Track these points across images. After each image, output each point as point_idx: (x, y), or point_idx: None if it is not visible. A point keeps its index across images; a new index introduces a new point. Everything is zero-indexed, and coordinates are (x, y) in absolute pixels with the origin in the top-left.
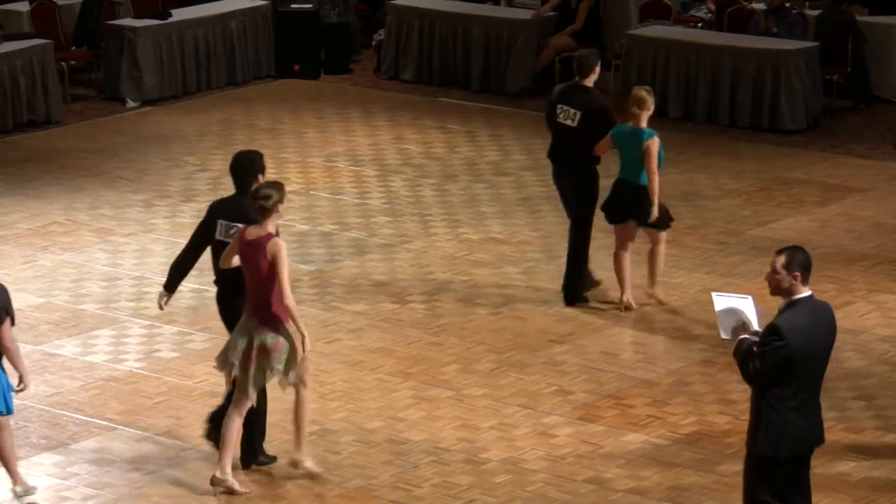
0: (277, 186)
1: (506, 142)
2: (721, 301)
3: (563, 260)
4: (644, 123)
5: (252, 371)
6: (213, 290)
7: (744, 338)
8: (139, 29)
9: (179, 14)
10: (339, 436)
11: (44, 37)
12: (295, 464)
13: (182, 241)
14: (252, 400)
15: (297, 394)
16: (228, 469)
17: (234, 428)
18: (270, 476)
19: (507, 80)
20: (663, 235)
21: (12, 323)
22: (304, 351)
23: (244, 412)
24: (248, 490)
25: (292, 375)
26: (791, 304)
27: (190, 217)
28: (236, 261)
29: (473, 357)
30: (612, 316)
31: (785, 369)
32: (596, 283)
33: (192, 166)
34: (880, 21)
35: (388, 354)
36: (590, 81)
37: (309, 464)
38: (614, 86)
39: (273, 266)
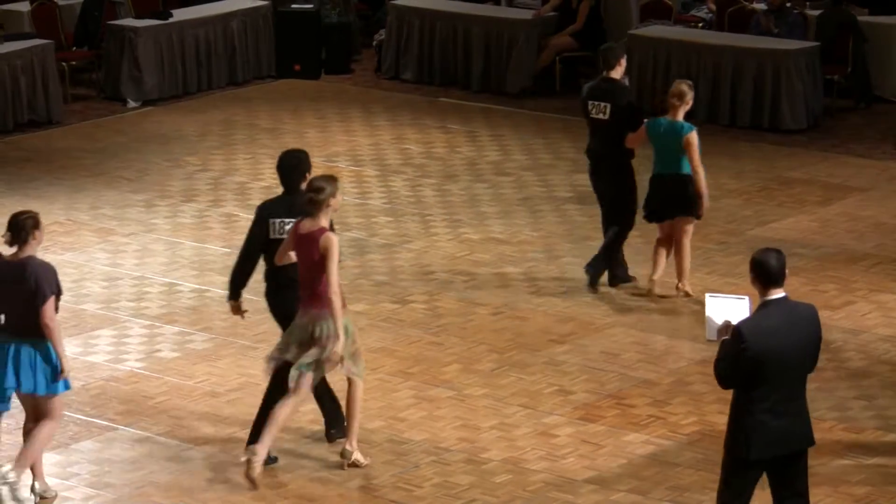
0: (330, 180)
1: (506, 142)
2: (713, 303)
3: (565, 260)
4: (681, 117)
5: (307, 357)
6: (215, 290)
7: (725, 339)
8: (140, 29)
9: (180, 14)
10: (337, 437)
11: (44, 37)
12: (343, 454)
13: (182, 241)
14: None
15: (351, 384)
16: (265, 451)
17: (286, 412)
18: (270, 476)
19: (508, 80)
20: (691, 228)
21: (57, 300)
22: (334, 350)
23: (300, 402)
24: (257, 488)
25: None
26: (762, 306)
27: (191, 217)
28: (292, 256)
29: (474, 357)
30: (613, 315)
31: (750, 371)
32: (631, 279)
33: (192, 166)
34: (880, 21)
35: (389, 354)
36: (616, 73)
37: (357, 455)
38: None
39: (323, 258)
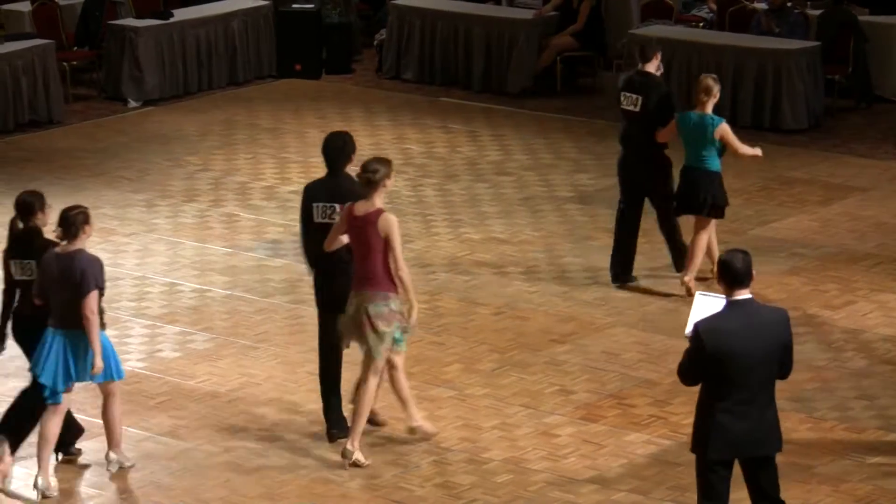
0: (385, 162)
1: (507, 141)
2: (702, 301)
3: (566, 260)
4: (710, 110)
5: (370, 339)
6: (216, 290)
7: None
8: (140, 29)
9: (181, 14)
10: (338, 437)
11: (45, 37)
12: (344, 453)
13: (183, 241)
14: (382, 364)
15: (362, 384)
16: (357, 441)
17: (367, 398)
18: (272, 476)
19: (509, 80)
20: (713, 224)
21: (101, 295)
22: (412, 322)
23: (378, 380)
24: (369, 461)
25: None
26: (725, 307)
27: (192, 217)
28: (343, 239)
29: (475, 357)
30: (614, 315)
31: (707, 371)
32: (633, 279)
33: (193, 166)
34: (881, 21)
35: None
36: (651, 67)
37: (358, 455)
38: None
39: (387, 240)
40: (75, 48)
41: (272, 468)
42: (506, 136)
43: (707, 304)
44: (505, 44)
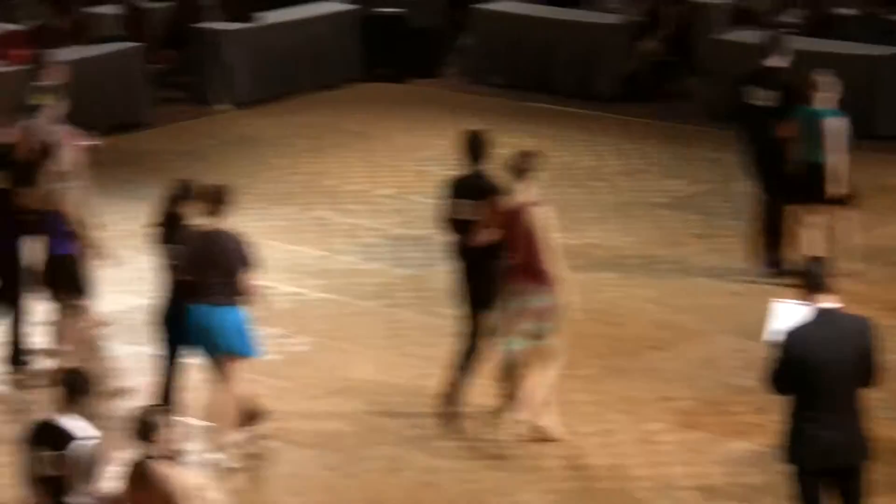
0: (533, 154)
1: (599, 147)
2: (779, 308)
3: (661, 266)
4: (821, 105)
5: (519, 330)
6: (311, 294)
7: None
8: (228, 32)
9: (268, 18)
10: (439, 441)
11: (134, 40)
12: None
13: (275, 244)
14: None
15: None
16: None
17: (544, 381)
18: (374, 479)
19: (597, 85)
20: (837, 212)
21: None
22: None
23: (550, 368)
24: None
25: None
26: (810, 314)
27: (281, 220)
28: (489, 234)
29: (573, 362)
30: (712, 322)
31: (788, 377)
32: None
33: (281, 169)
34: None
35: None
36: (782, 61)
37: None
38: (701, 91)
39: (535, 233)
40: (163, 51)
41: (374, 472)
42: (597, 141)
43: (785, 311)
44: (593, 48)
